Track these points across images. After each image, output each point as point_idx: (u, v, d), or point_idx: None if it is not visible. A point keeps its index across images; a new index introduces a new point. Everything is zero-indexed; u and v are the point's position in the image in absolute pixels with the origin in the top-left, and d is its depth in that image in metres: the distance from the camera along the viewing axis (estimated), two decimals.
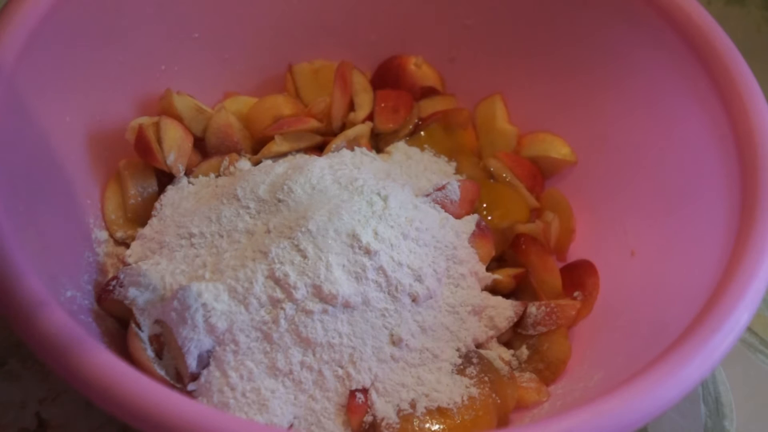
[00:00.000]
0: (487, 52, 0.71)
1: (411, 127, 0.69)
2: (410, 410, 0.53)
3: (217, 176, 0.65)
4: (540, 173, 0.70)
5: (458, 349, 0.57)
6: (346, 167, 0.61)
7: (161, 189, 0.64)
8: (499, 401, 0.55)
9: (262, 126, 0.67)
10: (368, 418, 0.53)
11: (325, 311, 0.53)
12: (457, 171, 0.68)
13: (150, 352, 0.54)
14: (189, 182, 0.64)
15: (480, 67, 0.72)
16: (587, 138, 0.68)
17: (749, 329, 0.67)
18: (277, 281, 0.53)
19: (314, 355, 0.53)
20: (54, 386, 0.58)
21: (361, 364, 0.54)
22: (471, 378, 0.56)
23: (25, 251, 0.45)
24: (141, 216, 0.63)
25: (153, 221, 0.62)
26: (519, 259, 0.64)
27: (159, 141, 0.62)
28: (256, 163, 0.65)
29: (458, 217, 0.63)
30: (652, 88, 0.62)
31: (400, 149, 0.68)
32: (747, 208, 0.51)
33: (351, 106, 0.70)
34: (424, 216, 0.60)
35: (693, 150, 0.58)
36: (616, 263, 0.62)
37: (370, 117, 0.69)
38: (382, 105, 0.69)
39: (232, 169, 0.64)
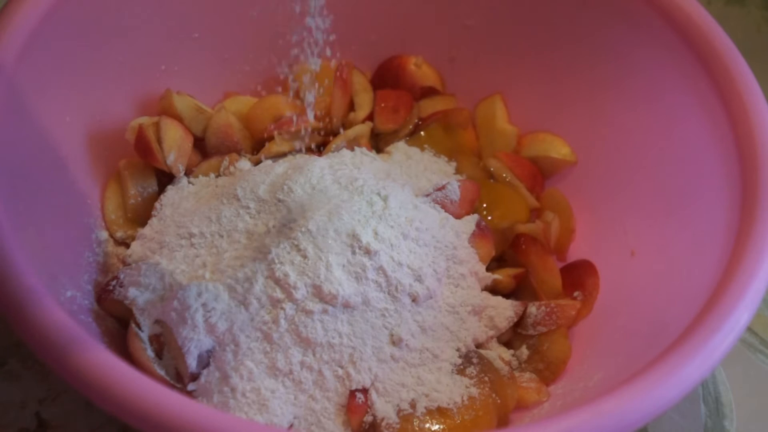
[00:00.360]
0: (487, 51, 0.71)
1: (411, 127, 0.69)
2: (410, 410, 0.53)
3: (217, 176, 0.65)
4: (540, 173, 0.70)
5: (458, 349, 0.57)
6: (346, 167, 0.61)
7: (161, 189, 0.64)
8: (499, 401, 0.55)
9: (262, 126, 0.67)
10: (368, 418, 0.53)
11: (325, 311, 0.53)
12: (457, 171, 0.68)
13: (150, 352, 0.54)
14: (189, 182, 0.64)
15: (480, 67, 0.72)
16: (587, 138, 0.68)
17: (749, 329, 0.67)
18: (277, 281, 0.53)
19: (314, 355, 0.53)
20: (54, 386, 0.58)
21: (361, 364, 0.54)
22: (471, 378, 0.55)
23: (25, 251, 0.45)
24: (141, 216, 0.63)
25: (153, 221, 0.62)
26: (519, 259, 0.64)
27: (159, 141, 0.62)
28: (256, 163, 0.65)
29: (458, 217, 0.63)
30: (652, 87, 0.62)
31: (400, 149, 0.68)
32: (747, 208, 0.51)
33: (351, 106, 0.70)
34: (424, 216, 0.60)
35: (693, 150, 0.58)
36: (616, 263, 0.62)
37: (370, 117, 0.69)
38: (382, 105, 0.69)
39: (232, 169, 0.64)
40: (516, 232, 0.65)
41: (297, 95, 0.71)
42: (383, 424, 0.53)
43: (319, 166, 0.60)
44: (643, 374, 0.43)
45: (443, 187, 0.62)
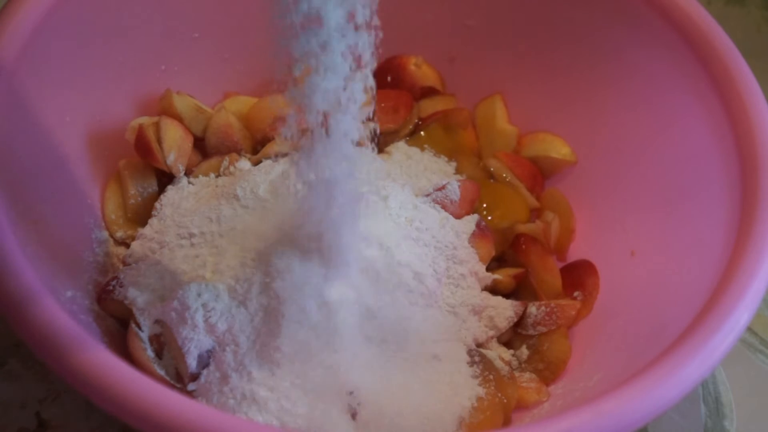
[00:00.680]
0: (487, 52, 0.71)
1: (411, 127, 0.69)
2: None
3: (217, 176, 0.65)
4: (540, 173, 0.70)
5: None
6: None
7: (161, 189, 0.64)
8: (504, 401, 0.55)
9: (262, 126, 0.66)
10: None
11: None
12: (457, 171, 0.68)
13: (150, 352, 0.54)
14: (189, 182, 0.64)
15: (480, 67, 0.72)
16: (587, 138, 0.68)
17: (749, 329, 0.67)
18: None
19: None
20: (54, 386, 0.58)
21: None
22: (476, 378, 0.55)
23: (25, 251, 0.45)
24: (141, 216, 0.63)
25: (153, 221, 0.62)
26: (519, 259, 0.64)
27: (159, 141, 0.62)
28: (256, 163, 0.65)
29: (458, 217, 0.63)
30: (652, 87, 0.62)
31: (400, 149, 0.68)
32: (747, 207, 0.51)
33: None
34: (424, 216, 0.60)
35: (693, 150, 0.58)
36: (616, 263, 0.62)
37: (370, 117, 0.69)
38: (382, 105, 0.69)
39: (232, 169, 0.64)
40: (516, 232, 0.65)
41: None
42: None
43: None
44: (643, 374, 0.43)
45: (443, 187, 0.62)
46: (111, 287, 0.56)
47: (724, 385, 0.64)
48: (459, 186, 0.63)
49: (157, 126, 0.63)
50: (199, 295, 0.53)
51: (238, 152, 0.66)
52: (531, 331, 0.61)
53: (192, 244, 0.58)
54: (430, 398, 0.53)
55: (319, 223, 0.54)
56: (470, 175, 0.67)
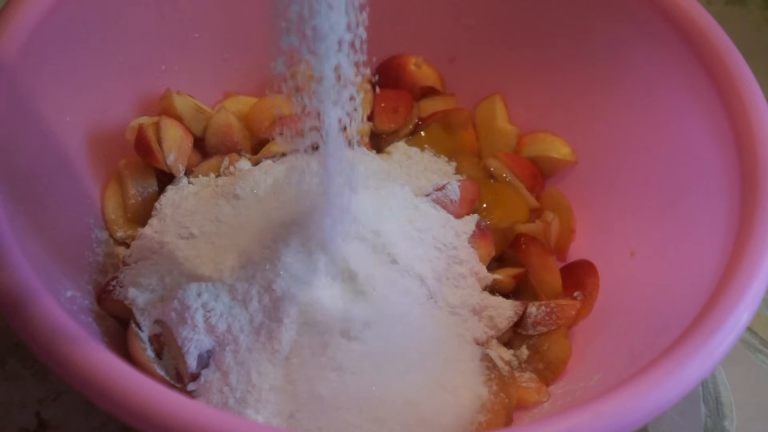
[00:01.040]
0: (487, 52, 0.71)
1: (411, 127, 0.69)
2: None
3: (217, 176, 0.65)
4: (540, 173, 0.70)
5: None
6: None
7: (161, 189, 0.64)
8: (507, 400, 0.55)
9: (262, 126, 0.66)
10: None
11: None
12: (457, 171, 0.68)
13: (150, 352, 0.54)
14: (189, 182, 0.64)
15: (480, 67, 0.72)
16: (587, 137, 0.68)
17: (749, 329, 0.67)
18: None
19: None
20: (54, 386, 0.58)
21: None
22: (480, 377, 0.55)
23: (25, 251, 0.45)
24: (141, 216, 0.63)
25: (153, 221, 0.62)
26: (519, 259, 0.64)
27: (159, 141, 0.62)
28: (256, 163, 0.65)
29: (458, 217, 0.63)
30: (652, 87, 0.62)
31: (400, 149, 0.68)
32: (747, 207, 0.51)
33: None
34: (424, 216, 0.60)
35: (693, 150, 0.58)
36: (616, 263, 0.62)
37: (370, 117, 0.69)
38: (382, 105, 0.69)
39: (232, 169, 0.64)
40: (516, 232, 0.65)
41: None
42: None
43: None
44: (643, 374, 0.43)
45: (443, 187, 0.62)
46: (111, 287, 0.56)
47: (724, 385, 0.64)
48: (459, 186, 0.63)
49: (157, 126, 0.63)
50: (199, 295, 0.53)
51: (238, 152, 0.66)
52: (531, 331, 0.61)
53: (192, 244, 0.58)
54: (433, 399, 0.53)
55: (320, 223, 0.54)
56: (470, 175, 0.67)
